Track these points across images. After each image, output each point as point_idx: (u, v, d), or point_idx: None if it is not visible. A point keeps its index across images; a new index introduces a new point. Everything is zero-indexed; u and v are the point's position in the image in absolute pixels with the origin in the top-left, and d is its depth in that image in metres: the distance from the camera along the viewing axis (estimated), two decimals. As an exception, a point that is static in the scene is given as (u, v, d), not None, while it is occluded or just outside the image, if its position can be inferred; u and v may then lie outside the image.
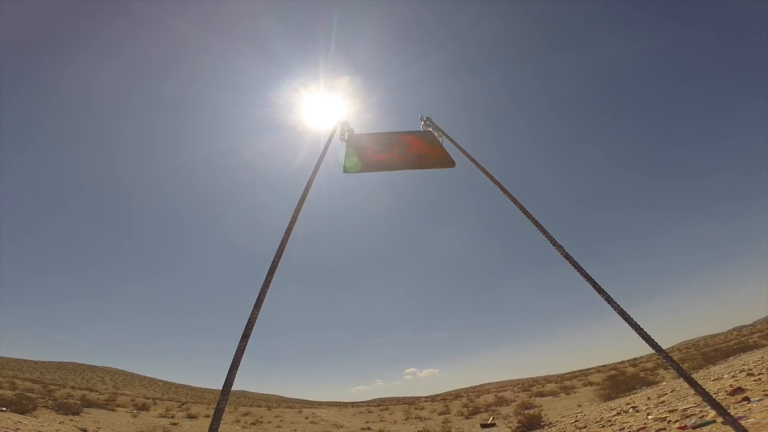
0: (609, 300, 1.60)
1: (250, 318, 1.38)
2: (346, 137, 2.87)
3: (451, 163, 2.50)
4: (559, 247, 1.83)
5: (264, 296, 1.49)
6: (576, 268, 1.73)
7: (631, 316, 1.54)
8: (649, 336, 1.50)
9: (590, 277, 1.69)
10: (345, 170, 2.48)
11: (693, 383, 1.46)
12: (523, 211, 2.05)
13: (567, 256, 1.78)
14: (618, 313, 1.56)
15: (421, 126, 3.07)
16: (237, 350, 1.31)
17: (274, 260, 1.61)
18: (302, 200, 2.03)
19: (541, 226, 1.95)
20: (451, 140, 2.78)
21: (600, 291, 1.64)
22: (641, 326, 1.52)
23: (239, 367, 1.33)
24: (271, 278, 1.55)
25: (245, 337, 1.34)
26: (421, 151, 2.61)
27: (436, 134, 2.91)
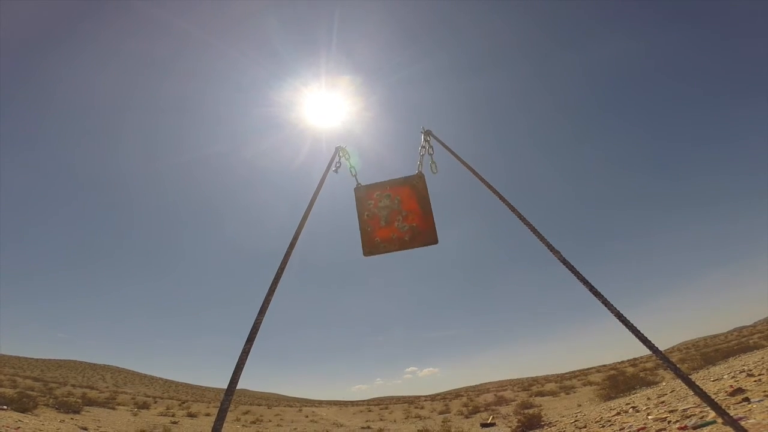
0: (606, 303, 1.62)
1: (255, 323, 1.41)
2: (345, 159, 3.20)
3: (434, 241, 2.99)
4: (556, 252, 1.85)
5: (269, 303, 1.51)
6: (573, 272, 1.75)
7: (628, 319, 1.56)
8: (646, 338, 1.52)
9: (587, 280, 1.71)
10: (365, 254, 3.03)
11: (691, 384, 1.47)
12: (520, 218, 2.09)
13: (564, 261, 1.80)
14: (615, 316, 1.58)
15: (421, 137, 3.21)
16: (242, 352, 1.34)
17: (278, 270, 1.65)
18: (304, 219, 2.08)
19: (538, 232, 1.97)
20: (451, 151, 2.92)
21: (597, 294, 1.66)
22: (638, 328, 1.54)
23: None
24: (276, 287, 1.58)
25: (250, 340, 1.37)
26: (414, 221, 3.05)
27: (436, 146, 3.13)
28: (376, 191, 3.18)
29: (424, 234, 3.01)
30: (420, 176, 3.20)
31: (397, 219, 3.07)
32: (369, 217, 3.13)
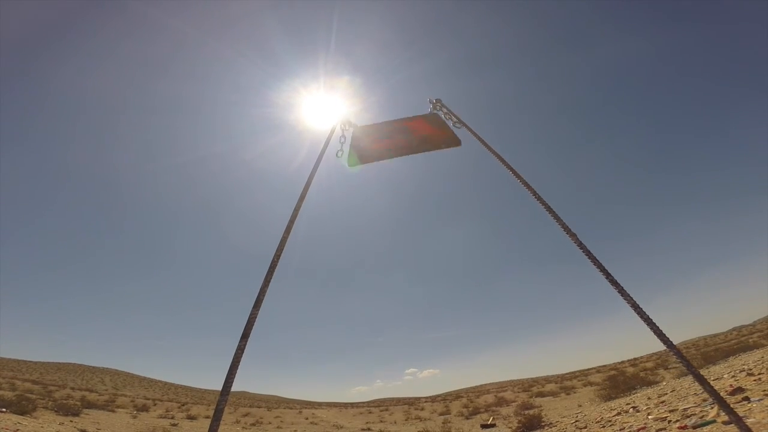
0: (622, 292, 1.58)
1: (249, 317, 1.37)
2: (348, 132, 2.84)
3: (456, 142, 2.51)
4: (572, 235, 1.82)
5: (263, 296, 1.47)
6: (589, 257, 1.71)
7: (644, 310, 1.52)
8: (661, 331, 1.49)
9: (604, 267, 1.67)
10: (349, 165, 2.51)
11: (702, 380, 1.45)
12: (536, 197, 2.02)
13: (581, 245, 1.77)
14: (630, 306, 1.53)
15: (429, 108, 3.00)
16: (237, 350, 1.30)
17: (273, 259, 1.61)
18: (302, 198, 2.03)
19: (553, 211, 1.91)
20: (461, 122, 2.73)
21: (613, 282, 1.61)
22: (653, 320, 1.50)
23: (239, 366, 1.34)
24: (271, 277, 1.54)
25: (245, 336, 1.34)
26: (425, 132, 2.62)
27: (444, 116, 2.88)
28: (379, 125, 2.80)
29: (438, 138, 2.55)
30: (435, 114, 2.88)
31: (402, 134, 2.63)
32: (365, 135, 2.67)
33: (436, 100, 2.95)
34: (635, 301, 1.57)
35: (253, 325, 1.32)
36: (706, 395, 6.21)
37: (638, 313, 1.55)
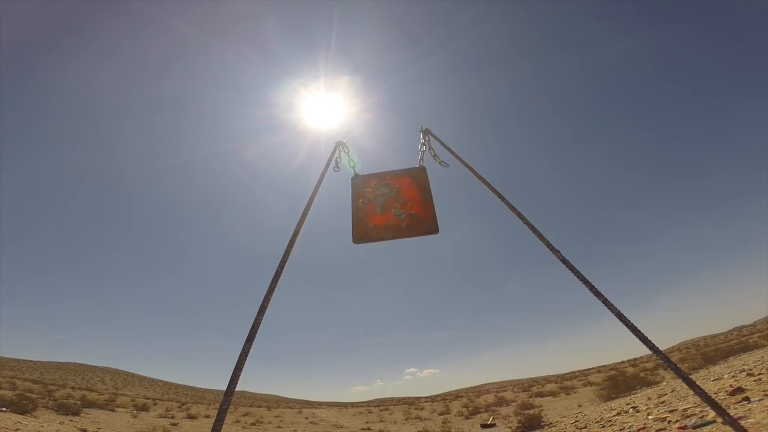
0: (606, 302, 1.62)
1: (254, 322, 1.41)
2: (345, 152, 3.15)
3: (435, 230, 2.83)
4: (556, 252, 1.86)
5: (268, 303, 1.52)
6: (573, 271, 1.76)
7: (628, 318, 1.56)
8: (647, 338, 1.52)
9: (587, 280, 1.71)
10: (354, 241, 2.84)
11: (691, 383, 1.47)
12: (519, 217, 2.10)
13: (564, 260, 1.81)
14: (615, 316, 1.58)
15: (420, 136, 3.20)
16: (241, 353, 1.34)
17: (277, 270, 1.65)
18: (304, 215, 2.09)
19: (537, 231, 1.98)
20: (450, 150, 2.95)
21: (597, 294, 1.66)
22: (638, 328, 1.54)
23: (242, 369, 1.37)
24: (275, 286, 1.59)
25: (249, 340, 1.37)
26: (413, 209, 2.89)
27: (435, 145, 3.11)
28: (375, 180, 3.08)
29: (423, 222, 2.83)
30: (422, 168, 3.11)
31: (395, 206, 2.91)
32: (364, 204, 2.97)
33: (425, 129, 3.15)
34: (619, 311, 1.61)
35: (257, 329, 1.35)
36: (705, 396, 6.18)
37: (623, 322, 1.59)
